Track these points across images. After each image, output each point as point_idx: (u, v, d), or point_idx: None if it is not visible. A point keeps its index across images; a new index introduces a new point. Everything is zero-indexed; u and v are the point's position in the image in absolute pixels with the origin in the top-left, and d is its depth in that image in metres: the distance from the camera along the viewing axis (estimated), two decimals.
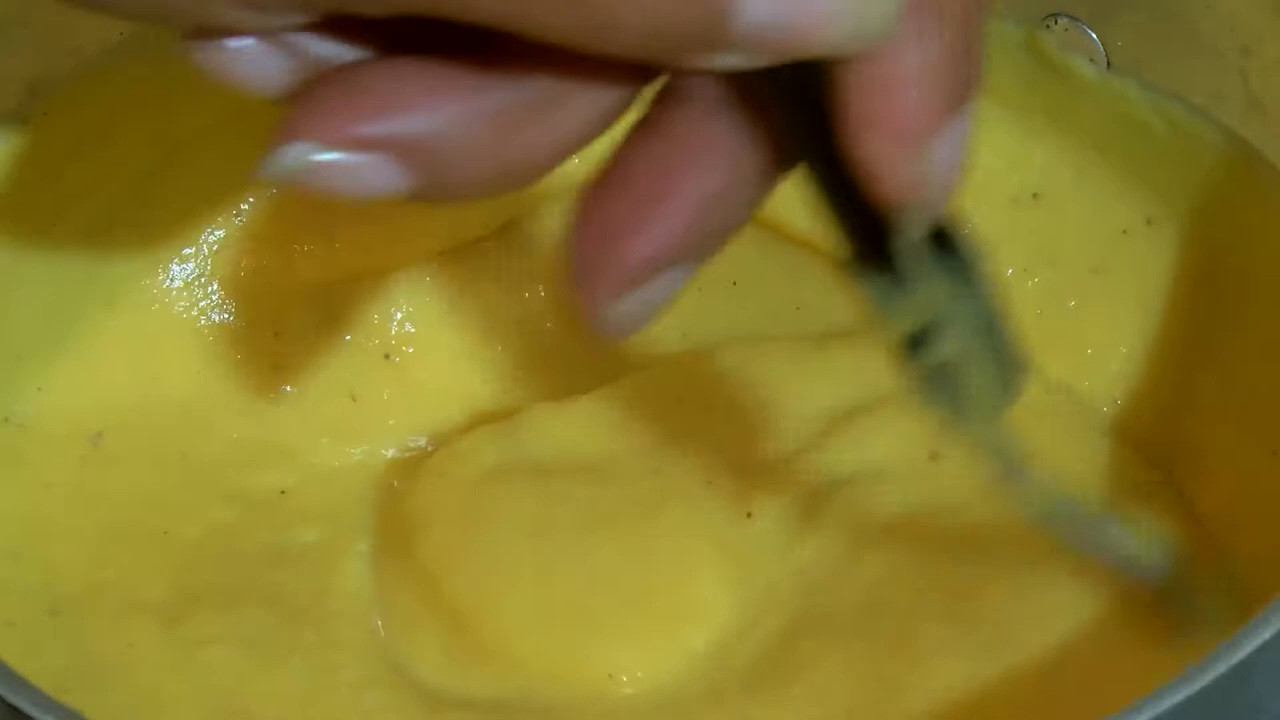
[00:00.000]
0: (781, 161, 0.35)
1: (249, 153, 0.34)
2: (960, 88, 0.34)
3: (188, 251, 0.54)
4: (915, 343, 0.37)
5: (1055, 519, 0.43)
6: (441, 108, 0.33)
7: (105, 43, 0.51)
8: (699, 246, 0.35)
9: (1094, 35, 0.52)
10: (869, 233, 0.36)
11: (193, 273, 0.54)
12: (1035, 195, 0.54)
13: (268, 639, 0.48)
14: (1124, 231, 0.52)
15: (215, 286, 0.54)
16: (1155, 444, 0.51)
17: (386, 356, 0.54)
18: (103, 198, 0.52)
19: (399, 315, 0.54)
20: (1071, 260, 0.53)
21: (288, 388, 0.54)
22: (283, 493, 0.52)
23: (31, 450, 0.51)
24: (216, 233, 0.55)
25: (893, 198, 0.34)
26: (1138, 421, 0.52)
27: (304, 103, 0.33)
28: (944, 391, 0.38)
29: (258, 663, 0.48)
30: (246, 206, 0.55)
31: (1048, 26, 0.52)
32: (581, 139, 0.34)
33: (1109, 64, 0.52)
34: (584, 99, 0.34)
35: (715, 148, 0.35)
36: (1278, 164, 0.49)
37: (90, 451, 0.52)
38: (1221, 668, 0.36)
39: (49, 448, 0.52)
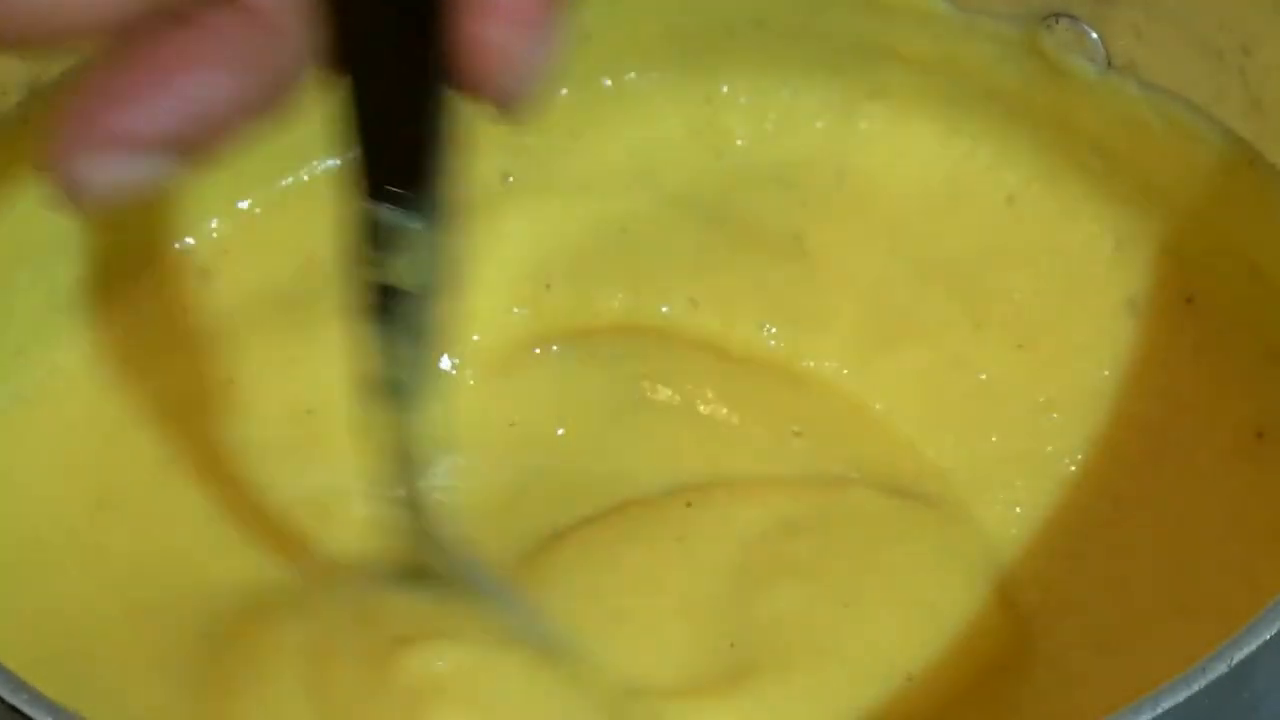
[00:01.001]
0: (302, 74, 0.36)
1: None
2: None
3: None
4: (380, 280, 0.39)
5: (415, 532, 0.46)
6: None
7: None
8: (188, 142, 0.35)
9: (1094, 35, 0.52)
10: (393, 159, 0.37)
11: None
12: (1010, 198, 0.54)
13: None
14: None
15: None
16: None
17: None
18: None
19: None
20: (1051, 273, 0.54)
21: None
22: None
23: None
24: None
25: (495, 83, 0.36)
26: None
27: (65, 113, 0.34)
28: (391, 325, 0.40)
29: None
30: (245, 206, 0.55)
31: (1048, 27, 0.52)
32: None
33: (1109, 64, 0.52)
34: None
35: (238, 48, 0.34)
36: (1277, 164, 0.49)
37: None
38: (1221, 668, 0.36)
39: None
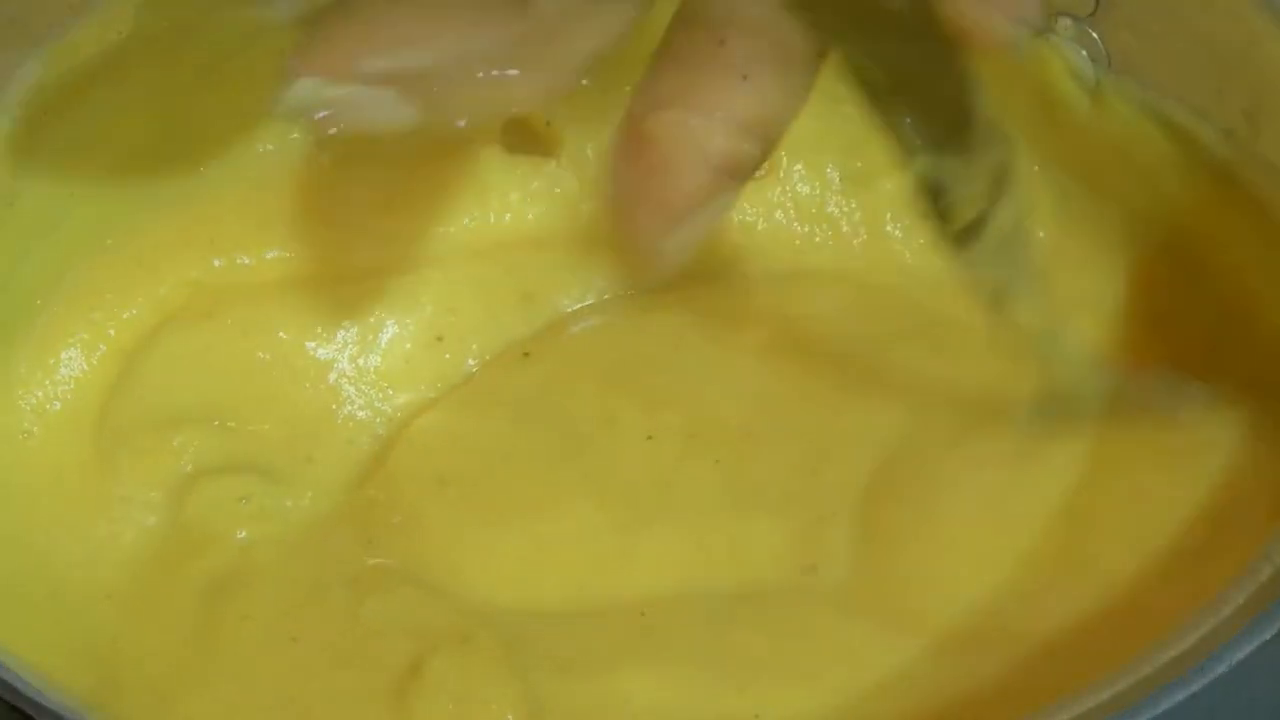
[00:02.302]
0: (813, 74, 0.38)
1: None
2: None
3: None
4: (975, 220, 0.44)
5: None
6: (440, 41, 0.34)
7: (106, 43, 0.51)
8: (739, 170, 0.37)
9: (1094, 34, 0.52)
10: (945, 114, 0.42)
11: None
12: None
13: None
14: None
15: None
16: None
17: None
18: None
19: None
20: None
21: None
22: None
23: None
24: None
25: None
26: None
27: (311, 40, 0.34)
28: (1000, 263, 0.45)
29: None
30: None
31: (1050, 26, 0.52)
32: (580, 68, 0.35)
33: (1109, 63, 0.52)
34: (585, 28, 0.35)
35: (748, 70, 0.36)
36: (1277, 166, 0.49)
37: None
38: (1220, 668, 0.36)
39: None
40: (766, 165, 0.52)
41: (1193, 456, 0.48)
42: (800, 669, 0.47)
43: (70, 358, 0.52)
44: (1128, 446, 0.49)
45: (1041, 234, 0.54)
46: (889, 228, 0.55)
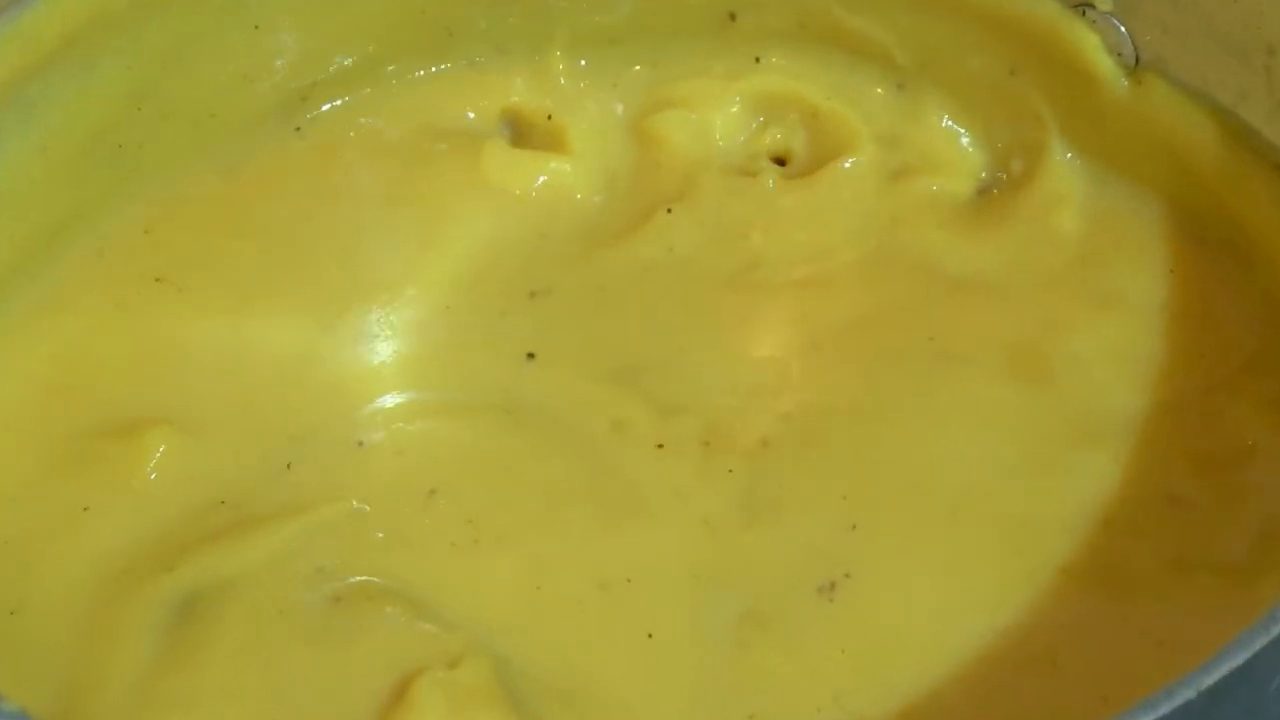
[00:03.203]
0: None
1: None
2: None
3: None
4: None
5: None
6: None
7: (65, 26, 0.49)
8: None
9: (1123, 29, 0.51)
10: None
11: None
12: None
13: None
14: None
15: None
16: None
17: None
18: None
19: None
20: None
21: None
22: None
23: None
24: None
25: None
26: None
27: None
28: None
29: None
30: None
31: (1082, 13, 0.52)
32: None
33: (1137, 59, 0.51)
34: None
35: None
36: None
37: None
38: (1224, 669, 0.35)
39: None
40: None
41: (1236, 466, 0.47)
42: (817, 695, 0.45)
43: (24, 354, 0.51)
44: (1166, 455, 0.48)
45: (1072, 226, 0.53)
46: (911, 232, 0.54)
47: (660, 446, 0.50)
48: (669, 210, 0.54)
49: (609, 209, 0.54)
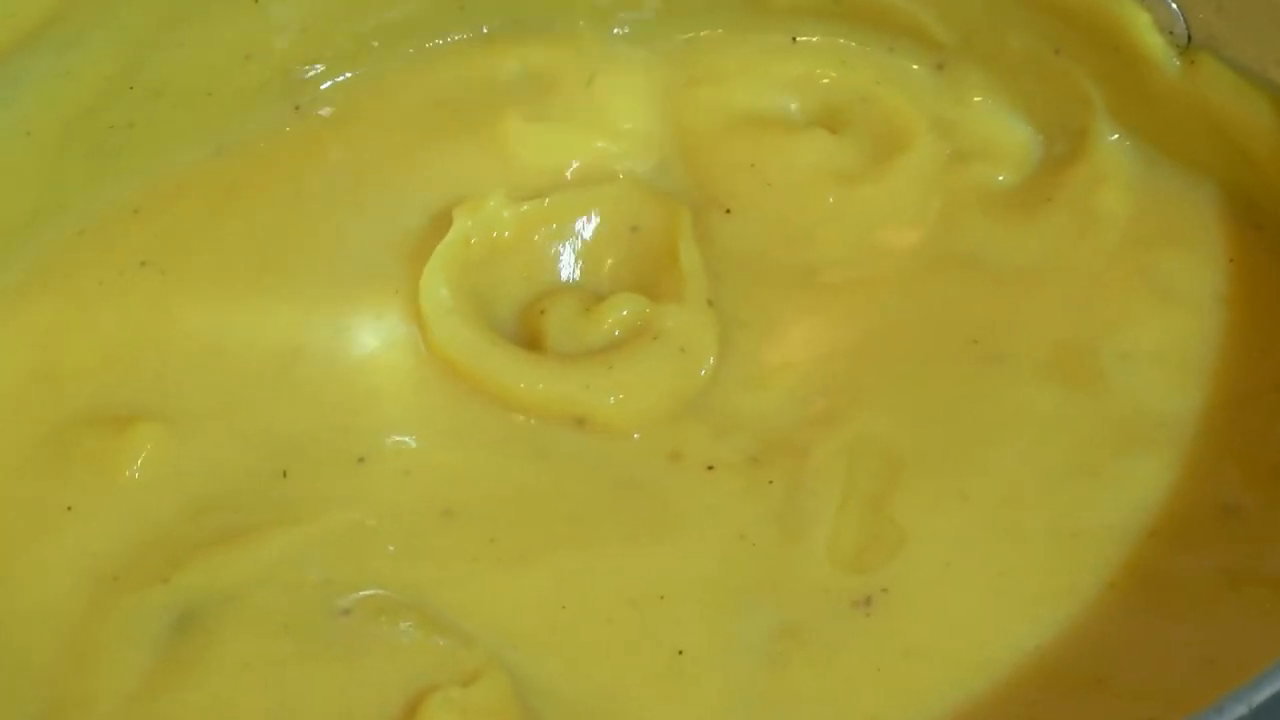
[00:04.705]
0: None
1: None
2: None
3: None
4: None
5: None
6: None
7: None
8: None
9: (1174, 5, 0.50)
10: None
11: None
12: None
13: None
14: None
15: None
16: None
17: None
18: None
19: None
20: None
21: None
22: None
23: None
24: None
25: None
26: None
27: None
28: None
29: None
30: None
31: None
32: None
33: (1189, 37, 0.50)
34: None
35: None
36: None
37: None
38: (1278, 685, 0.35)
39: None
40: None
41: None
42: (850, 715, 0.44)
43: (5, 341, 0.49)
44: (1219, 461, 0.47)
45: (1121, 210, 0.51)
46: (957, 223, 0.53)
47: (674, 457, 0.49)
48: (727, 211, 0.52)
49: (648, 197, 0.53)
